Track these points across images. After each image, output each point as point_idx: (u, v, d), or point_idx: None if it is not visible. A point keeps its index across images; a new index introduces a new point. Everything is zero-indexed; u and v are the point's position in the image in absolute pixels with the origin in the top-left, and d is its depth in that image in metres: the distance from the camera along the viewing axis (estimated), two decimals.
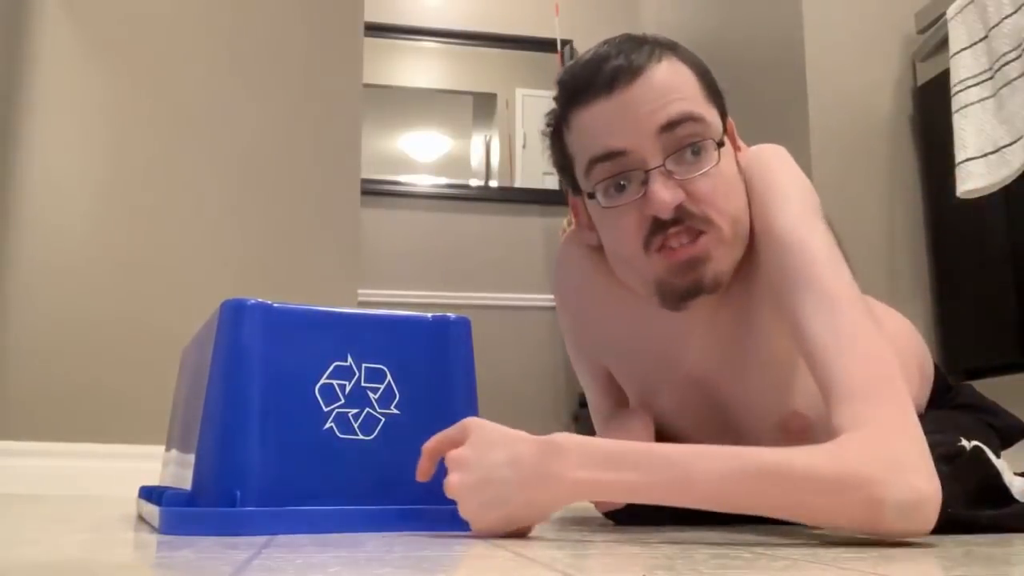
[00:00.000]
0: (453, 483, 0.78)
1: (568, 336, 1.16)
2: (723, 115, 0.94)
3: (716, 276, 0.91)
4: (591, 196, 0.92)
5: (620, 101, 0.88)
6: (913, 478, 0.70)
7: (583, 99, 0.90)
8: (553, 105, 0.97)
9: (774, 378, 0.97)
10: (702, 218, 0.88)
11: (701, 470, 0.72)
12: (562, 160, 0.98)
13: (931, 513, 0.71)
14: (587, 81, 0.90)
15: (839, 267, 0.86)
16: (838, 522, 0.72)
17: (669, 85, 0.88)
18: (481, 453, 0.77)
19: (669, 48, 0.92)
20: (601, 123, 0.89)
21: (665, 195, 0.86)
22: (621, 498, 0.75)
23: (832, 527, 0.73)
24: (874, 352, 0.79)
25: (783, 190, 0.92)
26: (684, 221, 0.88)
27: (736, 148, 0.96)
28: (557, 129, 0.97)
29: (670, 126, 0.87)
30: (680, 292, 0.91)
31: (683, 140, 0.88)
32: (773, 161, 0.96)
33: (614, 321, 1.05)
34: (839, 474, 0.70)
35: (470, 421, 0.81)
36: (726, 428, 1.02)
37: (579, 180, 0.95)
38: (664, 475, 0.73)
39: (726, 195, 0.90)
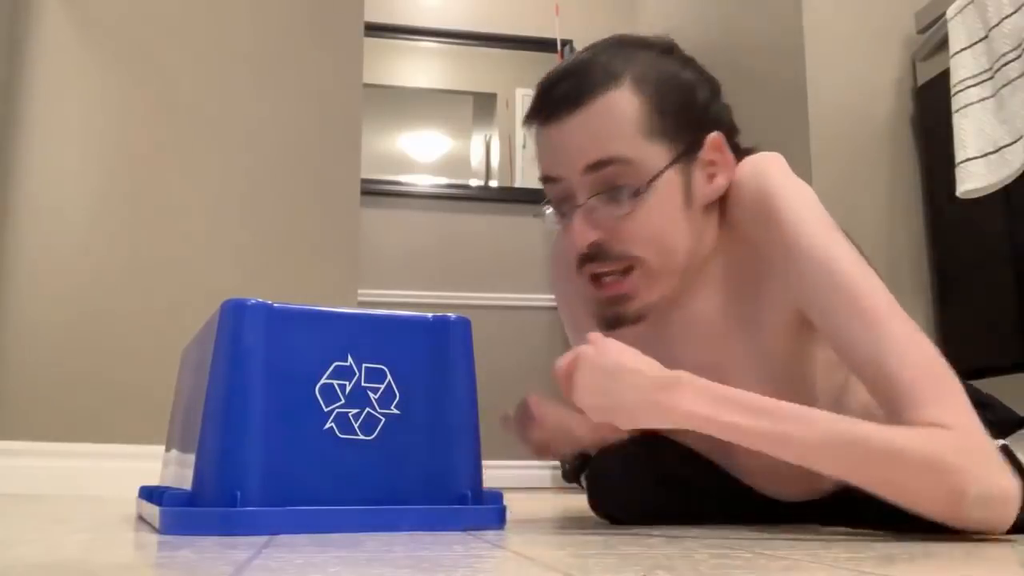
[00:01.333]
0: (581, 366, 0.84)
1: (567, 328, 1.19)
2: (692, 140, 0.93)
3: (640, 311, 0.95)
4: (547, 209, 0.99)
5: (556, 131, 0.93)
6: (999, 476, 0.76)
7: (532, 119, 0.96)
8: None
9: (761, 378, 0.96)
10: (620, 255, 0.92)
11: (803, 430, 0.78)
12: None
13: (1012, 511, 0.75)
14: (538, 103, 0.95)
15: (873, 280, 0.88)
16: (920, 504, 0.76)
17: (601, 124, 0.91)
18: (613, 353, 0.83)
19: (630, 72, 0.92)
20: (542, 148, 0.96)
21: (575, 235, 0.92)
22: (722, 436, 0.80)
23: (912, 508, 0.77)
24: (930, 359, 0.83)
25: (797, 206, 0.92)
26: (599, 258, 0.92)
27: (724, 163, 0.95)
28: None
29: (594, 167, 0.91)
30: (605, 321, 0.96)
31: (608, 181, 0.91)
32: (776, 173, 0.95)
33: None
34: (932, 457, 0.75)
35: (596, 335, 0.88)
36: None
37: None
38: (767, 426, 0.78)
39: (654, 232, 0.92)
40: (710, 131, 0.94)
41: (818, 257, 0.89)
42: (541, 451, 1.10)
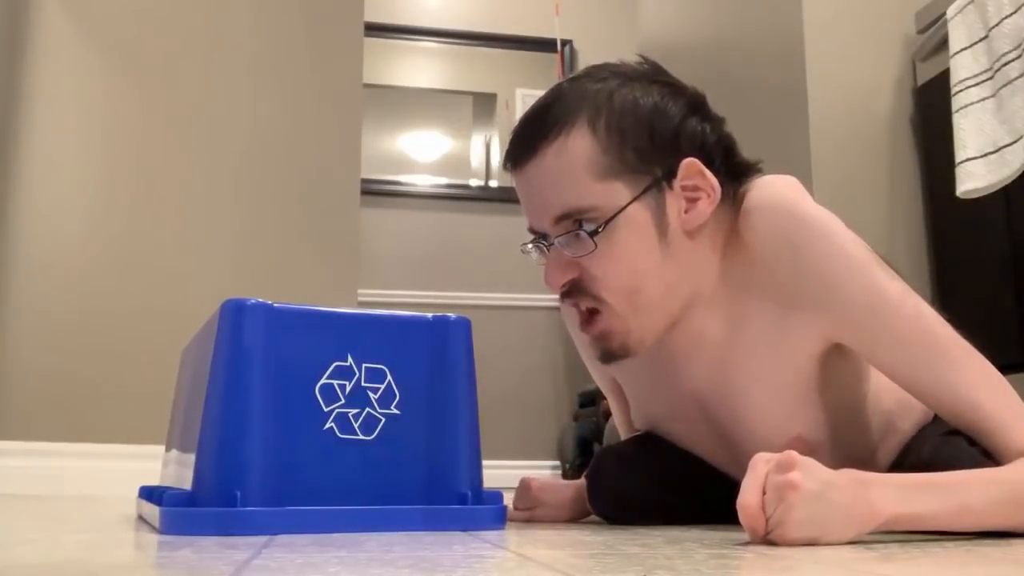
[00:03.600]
0: (794, 502, 0.70)
1: (578, 347, 1.19)
2: (664, 169, 0.91)
3: (626, 345, 0.95)
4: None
5: (523, 180, 0.95)
6: None
7: (507, 163, 0.98)
8: None
9: (778, 403, 0.95)
10: (592, 295, 0.93)
11: (977, 498, 0.78)
12: None
13: None
14: (508, 147, 0.97)
15: (923, 307, 0.89)
16: None
17: (554, 175, 0.92)
18: (817, 472, 0.73)
19: (585, 111, 0.91)
20: (521, 198, 0.98)
21: (551, 275, 0.94)
22: (921, 528, 0.78)
23: None
24: (997, 379, 0.86)
25: (830, 239, 0.90)
26: (574, 295, 0.94)
27: (705, 186, 0.92)
28: None
29: (561, 218, 0.92)
30: (596, 355, 0.97)
31: (571, 225, 0.92)
32: (799, 200, 0.92)
33: None
34: None
35: (789, 456, 0.74)
36: (727, 446, 1.01)
37: None
38: (952, 504, 0.77)
39: (622, 269, 0.91)
40: (685, 154, 0.92)
41: (867, 293, 0.88)
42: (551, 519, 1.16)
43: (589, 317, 0.95)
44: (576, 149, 0.91)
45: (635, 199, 0.90)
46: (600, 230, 0.90)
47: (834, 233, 0.90)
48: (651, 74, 0.96)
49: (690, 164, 0.92)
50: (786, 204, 0.92)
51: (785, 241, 0.91)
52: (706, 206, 0.93)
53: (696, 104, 0.95)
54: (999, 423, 0.84)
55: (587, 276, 0.93)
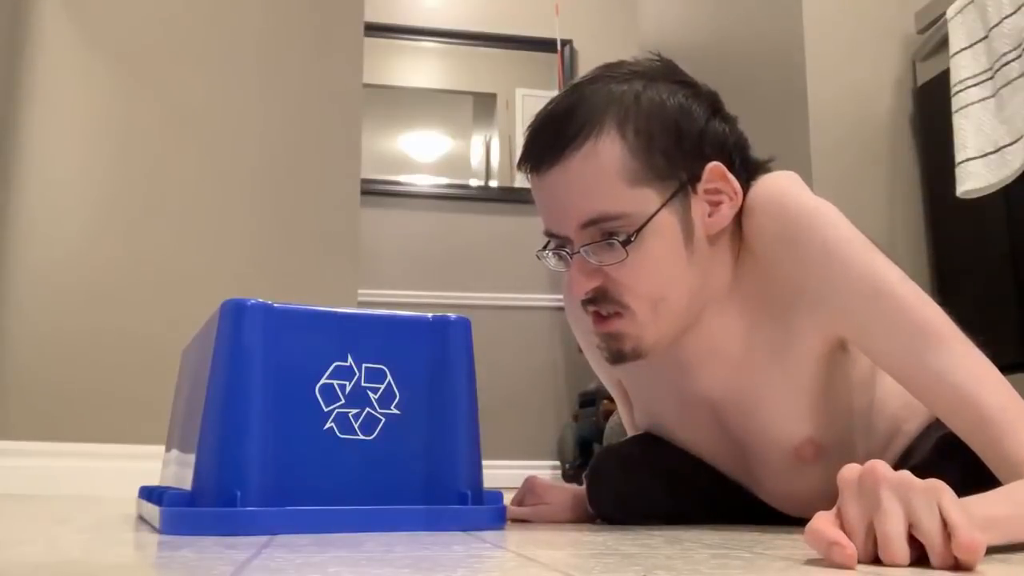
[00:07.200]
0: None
1: (584, 351, 1.19)
2: (689, 173, 0.90)
3: (637, 349, 0.93)
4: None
5: (547, 184, 0.92)
6: None
7: (525, 165, 0.95)
8: None
9: (790, 405, 0.95)
10: (618, 302, 0.91)
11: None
12: None
13: None
14: (524, 150, 0.94)
15: (924, 297, 0.86)
16: None
17: (584, 180, 0.89)
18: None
19: (613, 114, 0.89)
20: (540, 202, 0.95)
21: (576, 283, 0.91)
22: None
23: None
24: (999, 376, 0.81)
25: (826, 228, 0.89)
26: (599, 302, 0.92)
27: (728, 190, 0.92)
28: None
29: (587, 224, 0.90)
30: (608, 356, 0.95)
31: (602, 231, 0.89)
32: (795, 194, 0.92)
33: None
34: None
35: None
36: (736, 448, 1.01)
37: None
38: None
39: (650, 277, 0.90)
40: (709, 158, 0.91)
41: (863, 280, 0.86)
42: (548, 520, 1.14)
43: (606, 316, 0.93)
44: (606, 154, 0.88)
45: (664, 205, 0.89)
46: (633, 239, 0.88)
47: (829, 224, 0.89)
48: (670, 73, 0.94)
49: (714, 168, 0.91)
50: (782, 201, 0.91)
51: (782, 239, 0.91)
52: (728, 210, 0.92)
53: (716, 104, 0.95)
54: (1002, 425, 0.77)
55: (613, 284, 0.90)
